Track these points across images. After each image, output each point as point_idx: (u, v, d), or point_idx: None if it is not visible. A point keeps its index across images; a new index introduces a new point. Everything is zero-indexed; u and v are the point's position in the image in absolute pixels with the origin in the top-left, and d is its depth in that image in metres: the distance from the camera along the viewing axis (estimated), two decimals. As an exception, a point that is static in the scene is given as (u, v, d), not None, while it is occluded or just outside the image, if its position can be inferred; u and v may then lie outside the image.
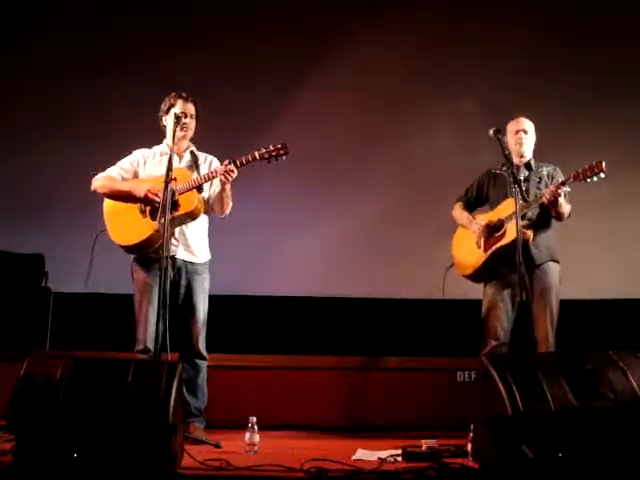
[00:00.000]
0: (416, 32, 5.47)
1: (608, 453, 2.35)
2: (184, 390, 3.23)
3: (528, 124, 3.83)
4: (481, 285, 3.83)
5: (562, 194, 3.51)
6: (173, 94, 3.63)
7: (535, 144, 3.86)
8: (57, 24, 5.63)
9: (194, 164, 3.62)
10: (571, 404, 2.39)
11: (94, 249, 3.54)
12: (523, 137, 3.79)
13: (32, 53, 5.58)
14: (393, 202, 5.33)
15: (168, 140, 3.60)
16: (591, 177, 3.41)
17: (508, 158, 3.53)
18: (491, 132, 3.64)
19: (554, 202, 3.53)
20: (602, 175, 3.40)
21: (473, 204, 3.97)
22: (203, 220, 3.61)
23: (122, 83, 5.41)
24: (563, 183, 3.51)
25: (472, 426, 2.84)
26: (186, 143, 3.67)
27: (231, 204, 3.54)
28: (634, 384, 2.43)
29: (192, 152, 3.67)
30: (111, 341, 4.28)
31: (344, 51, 5.51)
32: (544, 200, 3.52)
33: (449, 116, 5.33)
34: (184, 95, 3.62)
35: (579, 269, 4.83)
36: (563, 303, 3.71)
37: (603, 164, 3.39)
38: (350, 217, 5.31)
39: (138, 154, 3.67)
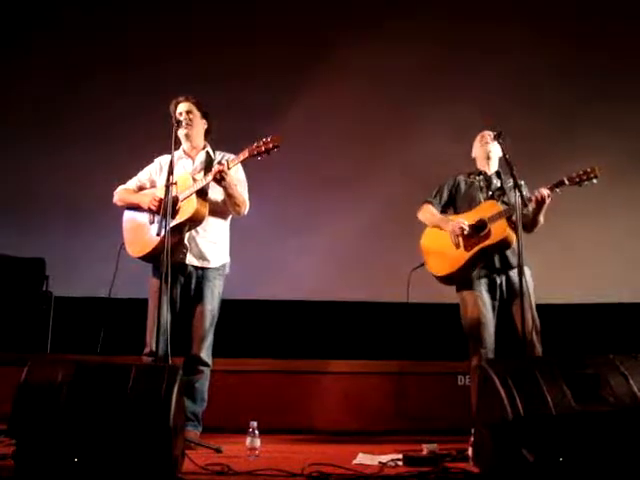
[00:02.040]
0: (416, 38, 5.49)
1: (609, 457, 2.35)
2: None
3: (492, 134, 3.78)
4: (449, 286, 3.79)
5: (549, 197, 3.51)
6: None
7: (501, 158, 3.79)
8: (59, 28, 5.65)
9: (207, 164, 3.59)
10: (572, 408, 2.39)
11: (118, 261, 3.53)
12: (488, 139, 3.78)
13: (34, 57, 5.61)
14: (394, 206, 5.33)
15: (183, 145, 3.65)
16: (585, 182, 3.44)
17: (508, 162, 3.53)
18: (492, 136, 3.65)
19: (541, 204, 3.53)
20: (594, 180, 3.43)
21: (443, 206, 3.91)
22: (219, 223, 3.59)
23: (124, 86, 5.43)
24: (558, 185, 3.50)
25: (473, 430, 2.84)
26: (201, 143, 3.68)
27: (247, 203, 3.54)
28: (635, 388, 2.43)
29: (207, 152, 3.66)
30: (112, 345, 4.27)
31: (344, 56, 5.53)
32: (535, 197, 3.51)
33: (449, 121, 5.34)
34: (177, 99, 3.64)
35: (579, 273, 4.85)
36: (564, 307, 3.71)
37: (597, 170, 3.43)
38: (350, 221, 5.32)
39: (157, 162, 3.70)
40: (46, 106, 5.51)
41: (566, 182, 3.49)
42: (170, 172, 3.22)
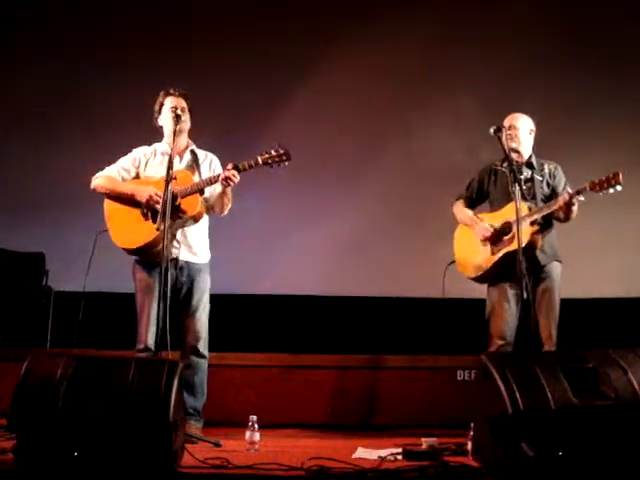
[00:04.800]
0: (416, 30, 5.47)
1: (608, 452, 2.35)
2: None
3: (520, 120, 3.75)
4: (481, 284, 3.81)
5: (576, 202, 3.46)
6: (162, 92, 3.61)
7: (534, 140, 3.79)
8: (57, 22, 5.63)
9: (194, 163, 3.60)
10: (571, 403, 2.39)
11: (94, 250, 3.51)
12: (512, 132, 3.70)
13: (32, 53, 5.58)
14: (394, 200, 5.33)
15: (167, 138, 3.60)
16: (607, 189, 3.34)
17: (508, 157, 3.52)
18: (492, 130, 3.62)
19: (568, 210, 3.51)
20: (618, 188, 3.31)
21: (474, 201, 3.91)
22: (204, 220, 3.60)
23: (123, 82, 5.41)
24: (578, 192, 3.44)
25: (472, 424, 2.84)
26: (185, 141, 3.64)
27: (230, 205, 3.53)
28: (634, 383, 2.44)
29: (192, 151, 3.65)
30: (112, 340, 4.28)
31: (344, 49, 5.50)
32: (557, 207, 3.48)
33: (450, 114, 5.32)
34: (171, 91, 3.59)
35: (580, 268, 4.84)
36: (564, 302, 3.71)
37: (620, 176, 3.30)
38: (351, 216, 5.31)
39: (139, 153, 3.63)
40: (44, 101, 5.49)
41: (587, 189, 3.41)
42: (169, 167, 3.22)
